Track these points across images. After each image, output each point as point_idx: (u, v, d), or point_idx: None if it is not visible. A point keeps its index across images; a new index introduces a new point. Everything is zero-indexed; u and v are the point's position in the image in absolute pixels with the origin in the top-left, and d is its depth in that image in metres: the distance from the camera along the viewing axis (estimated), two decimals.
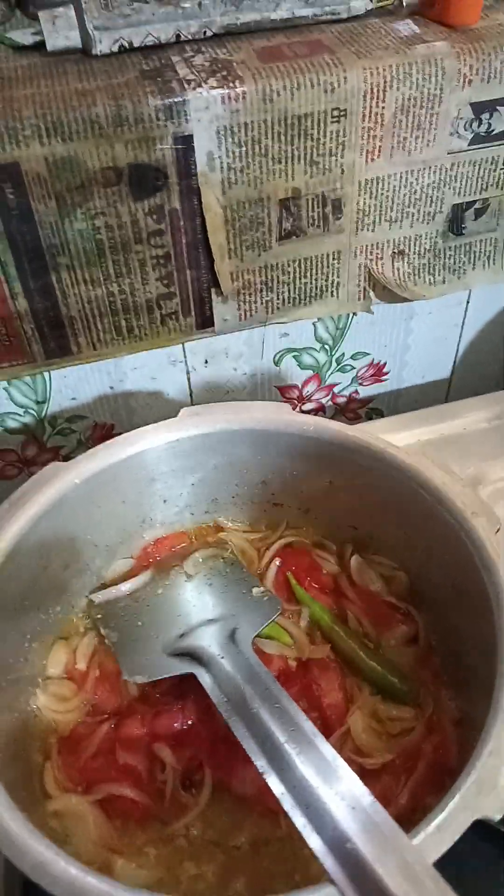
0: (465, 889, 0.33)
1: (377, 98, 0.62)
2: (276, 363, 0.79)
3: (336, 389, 0.84)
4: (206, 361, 0.76)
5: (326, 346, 0.79)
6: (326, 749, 0.41)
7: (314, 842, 0.36)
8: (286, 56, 0.61)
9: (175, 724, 0.50)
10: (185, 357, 0.75)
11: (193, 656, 0.50)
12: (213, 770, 0.48)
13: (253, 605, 0.55)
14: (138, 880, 0.44)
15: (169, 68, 0.61)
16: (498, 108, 0.66)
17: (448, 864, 0.35)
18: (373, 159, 0.65)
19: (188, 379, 0.77)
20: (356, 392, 0.85)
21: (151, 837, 0.47)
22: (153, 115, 0.58)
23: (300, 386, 0.82)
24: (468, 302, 0.80)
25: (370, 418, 0.88)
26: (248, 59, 0.61)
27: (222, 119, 0.60)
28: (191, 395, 0.78)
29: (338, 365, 0.81)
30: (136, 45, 0.62)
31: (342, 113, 0.62)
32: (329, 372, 0.82)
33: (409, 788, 0.46)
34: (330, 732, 0.50)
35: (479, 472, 0.68)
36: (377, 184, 0.67)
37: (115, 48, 0.61)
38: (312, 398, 0.84)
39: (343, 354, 0.80)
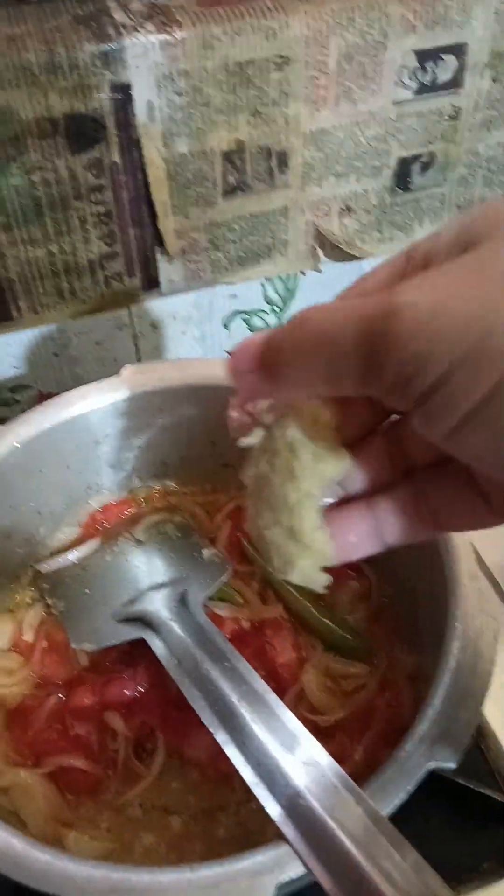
0: (425, 845, 0.33)
1: (320, 45, 0.60)
2: (226, 326, 0.77)
3: None
4: (154, 326, 0.74)
5: (276, 308, 0.78)
6: (279, 708, 0.40)
7: (267, 802, 0.35)
8: (226, 0, 0.59)
9: (126, 692, 0.48)
10: (131, 321, 0.73)
11: (143, 621, 0.48)
12: (165, 736, 0.47)
13: (203, 567, 0.54)
14: (91, 852, 0.43)
15: (104, 13, 0.58)
16: (442, 56, 0.64)
17: (408, 823, 0.34)
18: (318, 109, 0.64)
19: (135, 344, 0.75)
20: None
21: (104, 808, 0.46)
22: (88, 61, 0.56)
23: None
24: None
25: None
26: (186, 4, 0.59)
27: (162, 66, 0.57)
28: (139, 360, 0.76)
29: None
30: None
31: (285, 60, 0.60)
32: None
33: (364, 745, 0.45)
34: (284, 691, 0.49)
35: None
36: (323, 136, 0.65)
37: None
38: None
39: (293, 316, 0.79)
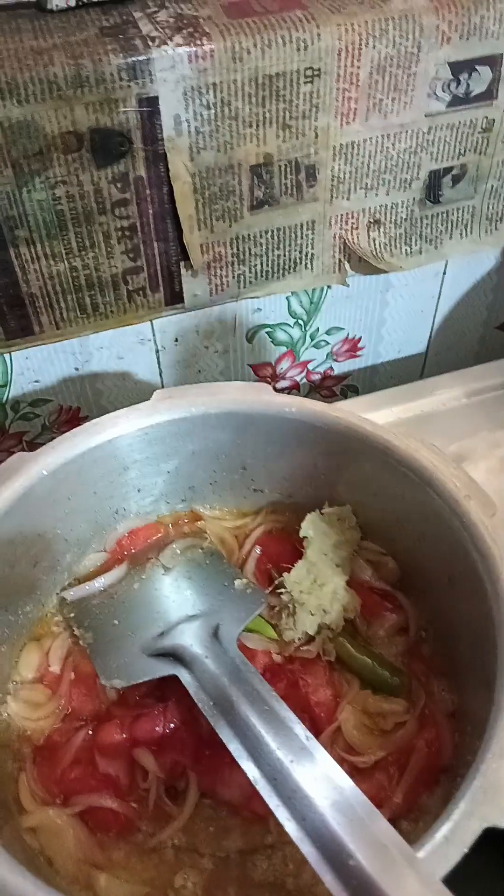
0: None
1: (352, 57, 0.59)
2: (249, 340, 0.75)
3: (310, 366, 0.81)
4: (177, 339, 0.73)
5: (301, 322, 0.76)
6: (322, 756, 0.38)
7: (320, 868, 0.33)
8: (255, 11, 0.58)
9: (157, 728, 0.47)
10: (153, 335, 0.71)
11: (175, 656, 0.47)
12: (197, 776, 0.46)
13: (236, 598, 0.52)
14: (125, 895, 0.41)
15: (131, 24, 0.57)
16: (477, 67, 0.62)
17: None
18: (348, 122, 0.62)
19: (157, 358, 0.73)
20: (331, 369, 0.82)
21: (135, 849, 0.44)
22: (115, 74, 0.54)
23: (274, 363, 0.79)
24: (444, 273, 0.78)
25: (345, 395, 0.86)
26: (214, 15, 0.57)
27: (189, 79, 0.56)
28: (161, 374, 0.75)
29: (312, 340, 0.78)
30: None
31: (316, 72, 0.59)
32: (303, 348, 0.79)
33: (403, 787, 0.44)
34: (319, 730, 0.47)
35: (461, 450, 0.66)
36: (352, 149, 0.64)
37: (72, 2, 0.57)
38: (286, 375, 0.81)
39: (317, 330, 0.77)
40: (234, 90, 0.58)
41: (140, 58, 0.54)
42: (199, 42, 0.55)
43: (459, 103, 0.64)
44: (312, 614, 0.51)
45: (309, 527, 0.54)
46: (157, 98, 0.56)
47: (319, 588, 0.52)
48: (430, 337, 0.84)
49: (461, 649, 0.46)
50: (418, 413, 0.73)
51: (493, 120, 0.66)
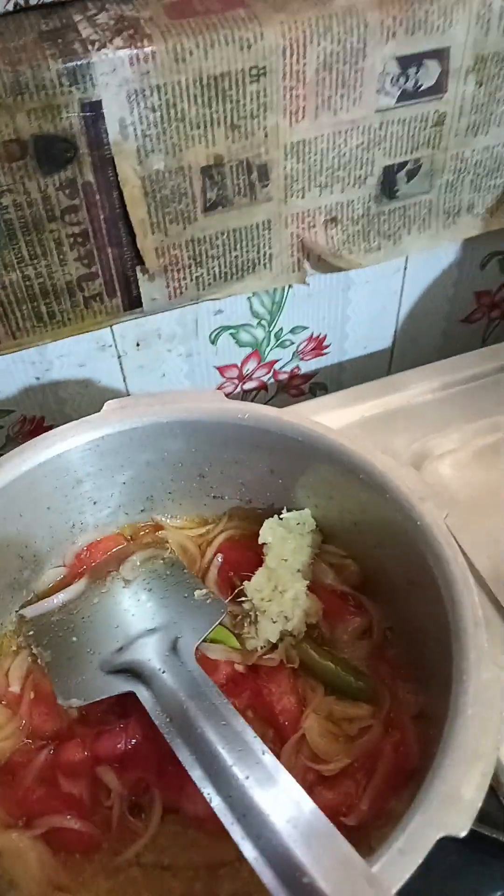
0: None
1: (297, 55, 0.58)
2: (213, 342, 0.75)
3: (277, 366, 0.81)
4: (138, 344, 0.72)
5: (263, 322, 0.75)
6: (279, 772, 0.37)
7: (276, 890, 0.33)
8: (197, 11, 0.57)
9: (118, 745, 0.46)
10: (114, 341, 0.71)
11: (133, 672, 0.46)
12: (161, 791, 0.45)
13: (195, 609, 0.51)
14: None
15: (71, 28, 0.56)
16: (425, 61, 0.62)
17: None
18: (297, 120, 0.61)
19: (120, 364, 0.73)
20: (297, 367, 0.82)
21: (101, 869, 0.44)
22: (55, 80, 0.53)
23: (239, 364, 0.78)
24: (405, 269, 0.77)
25: (314, 393, 0.85)
26: (156, 16, 0.57)
27: (132, 82, 0.55)
28: (124, 381, 0.74)
29: (277, 340, 0.78)
30: (32, 2, 0.56)
31: (261, 71, 0.58)
32: (268, 348, 0.78)
33: (370, 794, 0.43)
34: (284, 739, 0.47)
35: (425, 447, 0.66)
36: (304, 147, 0.63)
37: (10, 6, 0.56)
38: (253, 376, 0.80)
39: (281, 329, 0.77)
40: (179, 92, 0.57)
41: (80, 62, 0.53)
42: (139, 44, 0.54)
43: (409, 98, 0.64)
44: (274, 621, 0.51)
45: (267, 533, 0.54)
46: (99, 102, 0.55)
47: (280, 595, 0.51)
48: (396, 333, 0.83)
49: (425, 651, 0.45)
50: (384, 410, 0.72)
51: (444, 114, 0.66)
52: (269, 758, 0.38)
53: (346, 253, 0.71)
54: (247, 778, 0.37)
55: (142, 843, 0.44)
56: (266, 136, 0.62)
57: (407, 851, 0.32)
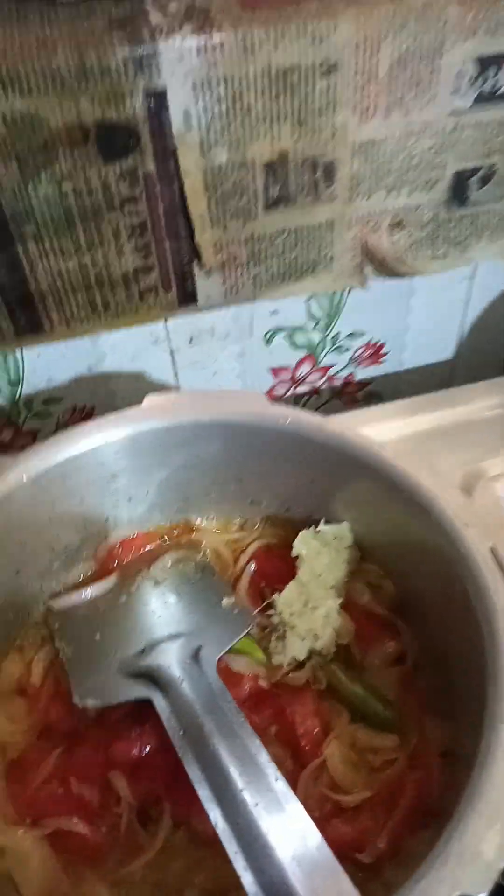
0: None
1: (371, 51, 0.56)
2: (267, 342, 0.73)
3: (331, 371, 0.79)
4: (191, 340, 0.71)
5: (320, 325, 0.74)
6: (290, 802, 0.35)
7: None
8: (269, 2, 0.55)
9: (133, 752, 0.44)
10: (167, 336, 0.70)
11: (152, 677, 0.44)
12: (172, 805, 0.43)
13: (221, 618, 0.50)
14: None
15: (141, 15, 0.55)
16: None
17: None
18: (367, 119, 0.60)
19: (172, 359, 0.72)
20: (352, 374, 0.80)
21: (103, 880, 0.42)
22: (121, 67, 0.53)
23: (293, 367, 0.77)
24: (473, 278, 0.74)
25: (368, 402, 0.83)
26: (227, 6, 0.55)
27: (199, 72, 0.54)
28: (176, 376, 0.73)
29: (333, 345, 0.76)
30: None
31: (332, 67, 0.56)
32: (323, 352, 0.76)
33: (388, 831, 0.41)
34: (304, 764, 0.44)
35: (481, 467, 0.63)
36: (372, 147, 0.61)
37: None
38: (306, 380, 0.79)
39: (338, 334, 0.75)
40: (247, 84, 0.56)
41: (147, 50, 0.53)
42: (208, 33, 0.53)
43: (486, 101, 0.61)
44: (303, 638, 0.49)
45: (301, 545, 0.52)
46: (165, 92, 0.54)
47: (311, 611, 0.49)
48: (459, 344, 0.80)
49: (455, 685, 0.43)
50: (438, 425, 0.69)
51: None
52: (281, 785, 0.36)
53: (410, 259, 0.69)
54: (256, 805, 0.35)
55: (147, 856, 0.42)
56: (333, 133, 0.60)
57: None
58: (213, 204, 0.61)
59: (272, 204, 0.62)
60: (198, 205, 0.60)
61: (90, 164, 0.56)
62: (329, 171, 0.62)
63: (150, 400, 0.51)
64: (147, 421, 0.50)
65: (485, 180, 0.66)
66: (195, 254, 0.63)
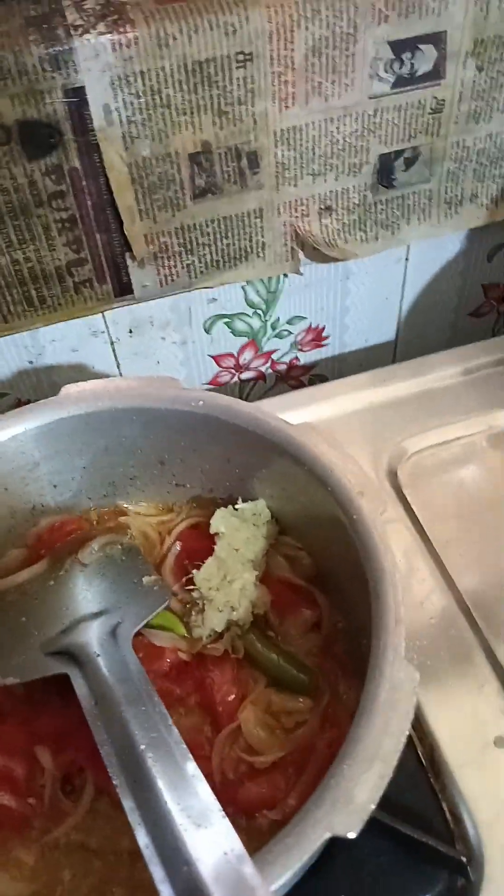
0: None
1: (285, 40, 0.57)
2: (207, 331, 0.75)
3: (275, 356, 0.80)
4: (131, 331, 0.72)
5: (259, 311, 0.75)
6: (190, 767, 0.37)
7: (161, 884, 0.33)
8: None
9: (56, 725, 0.46)
10: (106, 327, 0.71)
11: (72, 654, 0.46)
12: (94, 774, 0.45)
13: (141, 595, 0.52)
14: (13, 892, 0.42)
15: (58, 13, 0.56)
16: (420, 46, 0.60)
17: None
18: (287, 107, 0.61)
19: (113, 350, 0.73)
20: (296, 359, 0.81)
21: (28, 846, 0.44)
22: (38, 66, 0.54)
23: (236, 354, 0.78)
24: (407, 259, 0.76)
25: (314, 385, 0.84)
26: (143, 1, 0.56)
27: (115, 68, 0.55)
28: (118, 366, 0.75)
29: (274, 331, 0.77)
30: None
31: (247, 57, 0.57)
32: (265, 338, 0.78)
33: (299, 788, 0.43)
34: (221, 729, 0.47)
35: (406, 444, 0.65)
36: (294, 134, 0.62)
37: None
38: (250, 366, 0.80)
39: (278, 319, 0.76)
40: (164, 77, 0.57)
41: (62, 48, 0.54)
42: (122, 29, 0.54)
43: (405, 84, 0.62)
44: (220, 611, 0.50)
45: (219, 523, 0.54)
46: (83, 88, 0.55)
47: (228, 584, 0.51)
48: (399, 325, 0.82)
49: (362, 648, 0.44)
50: (368, 404, 0.71)
51: (443, 100, 0.64)
52: (182, 751, 0.38)
53: (341, 243, 0.70)
54: (159, 770, 0.37)
55: (71, 822, 0.44)
56: (255, 122, 0.61)
57: (293, 848, 0.32)
58: (140, 196, 0.62)
59: (200, 194, 0.63)
60: (125, 197, 0.62)
61: (14, 163, 0.57)
62: (254, 160, 0.63)
63: (67, 389, 0.52)
64: (64, 409, 0.52)
65: (410, 162, 0.68)
66: (127, 246, 0.65)
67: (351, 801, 0.33)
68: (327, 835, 0.32)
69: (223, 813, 0.35)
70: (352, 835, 0.32)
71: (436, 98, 0.64)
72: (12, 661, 0.48)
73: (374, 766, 0.34)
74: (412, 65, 0.61)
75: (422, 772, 0.48)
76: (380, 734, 0.35)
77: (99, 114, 0.57)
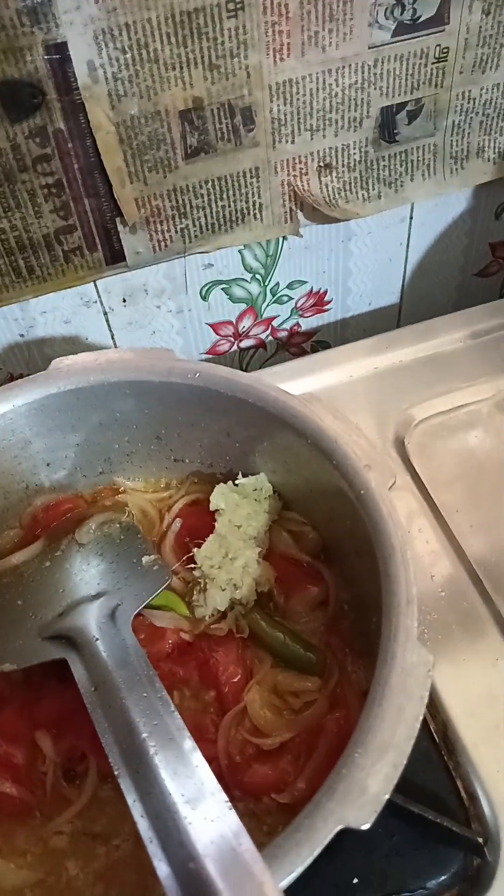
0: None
1: None
2: (204, 298, 0.72)
3: (275, 323, 0.78)
4: (125, 300, 0.70)
5: (258, 276, 0.72)
6: (191, 751, 0.36)
7: (158, 862, 0.32)
8: None
9: (57, 710, 0.45)
10: (98, 297, 0.69)
11: (70, 638, 0.45)
12: (97, 759, 0.44)
13: (141, 575, 0.50)
14: (17, 881, 0.41)
15: None
16: None
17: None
18: (282, 59, 0.58)
19: (107, 320, 0.71)
20: (297, 325, 0.79)
21: (32, 835, 0.43)
22: (16, 20, 0.51)
23: (234, 321, 0.75)
24: (411, 218, 0.73)
25: (317, 352, 0.82)
26: None
27: (99, 21, 0.52)
28: (112, 337, 0.72)
29: (273, 296, 0.75)
30: None
31: (239, 5, 0.54)
32: (265, 304, 0.75)
33: (309, 771, 0.41)
34: (227, 710, 0.45)
35: (413, 412, 0.62)
36: (290, 87, 0.59)
37: None
38: (250, 334, 0.78)
39: (277, 284, 0.74)
40: (151, 30, 0.53)
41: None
42: None
43: (406, 31, 0.59)
44: (223, 589, 0.49)
45: (219, 499, 0.52)
46: (65, 44, 0.52)
47: (230, 562, 0.49)
48: (403, 287, 0.79)
49: (370, 627, 0.43)
50: (375, 369, 0.69)
51: (447, 48, 0.61)
52: (184, 735, 0.37)
53: (342, 202, 0.68)
54: (159, 754, 0.36)
55: (74, 810, 0.43)
56: (248, 76, 0.58)
57: (303, 842, 0.31)
58: (130, 157, 0.59)
59: (192, 153, 0.61)
60: (113, 159, 0.59)
61: None
62: (248, 116, 0.60)
63: (56, 363, 0.50)
64: (54, 384, 0.49)
65: (413, 115, 0.65)
66: (118, 211, 0.62)
67: (364, 792, 0.31)
68: (339, 827, 0.31)
69: (230, 804, 0.34)
70: (365, 827, 0.31)
71: (439, 46, 0.61)
72: (9, 646, 0.47)
73: (388, 755, 0.32)
74: (414, 10, 0.58)
75: (435, 750, 0.46)
76: (393, 721, 0.33)
77: (83, 71, 0.54)
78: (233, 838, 0.32)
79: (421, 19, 0.59)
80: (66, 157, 0.58)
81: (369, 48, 0.59)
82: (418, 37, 0.60)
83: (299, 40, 0.57)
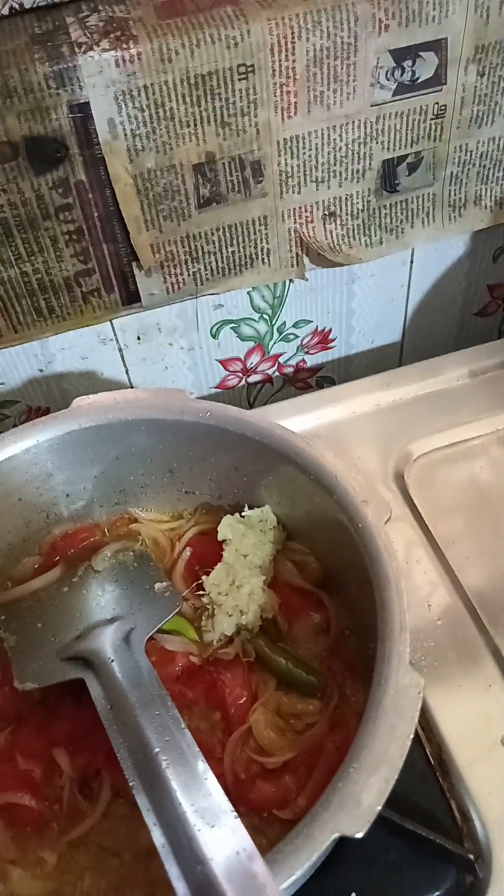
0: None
1: (286, 51, 0.58)
2: (214, 336, 0.76)
3: (281, 360, 0.81)
4: (139, 338, 0.73)
5: (265, 316, 0.76)
6: (202, 769, 0.39)
7: (176, 880, 0.34)
8: (186, 10, 0.57)
9: (73, 728, 0.48)
10: (114, 335, 0.72)
11: (87, 660, 0.48)
12: (111, 775, 0.47)
13: (153, 601, 0.53)
14: (34, 890, 0.43)
15: (62, 30, 0.57)
16: (421, 53, 0.61)
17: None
18: (289, 116, 0.61)
19: (122, 357, 0.74)
20: (303, 361, 0.82)
21: (48, 847, 0.46)
22: (43, 83, 0.55)
23: (243, 358, 0.79)
24: (412, 262, 0.76)
25: (321, 387, 0.85)
26: (145, 16, 0.57)
27: (119, 83, 0.56)
28: (127, 372, 0.76)
29: (280, 334, 0.78)
30: (27, 5, 0.58)
31: (249, 69, 0.58)
32: (272, 342, 0.79)
33: (309, 790, 0.44)
34: (232, 731, 0.48)
35: (413, 447, 0.65)
36: (297, 142, 0.63)
37: (5, 10, 0.58)
38: (257, 370, 0.81)
39: (284, 323, 0.77)
40: (167, 91, 0.57)
41: (66, 65, 0.55)
42: (125, 46, 0.55)
43: (406, 91, 0.63)
44: (230, 615, 0.52)
45: (226, 530, 0.55)
46: (87, 103, 0.56)
47: (237, 589, 0.52)
48: (405, 326, 0.83)
49: (369, 652, 0.45)
50: (377, 406, 0.72)
51: (445, 106, 0.65)
52: (195, 753, 0.39)
53: (345, 248, 0.71)
54: (172, 771, 0.38)
55: (88, 824, 0.46)
56: (258, 132, 0.62)
57: (301, 848, 0.33)
58: (146, 207, 0.63)
59: (205, 203, 0.64)
60: (131, 208, 0.63)
61: (22, 178, 0.58)
62: (257, 168, 0.64)
63: (78, 401, 0.54)
64: (76, 421, 0.53)
65: (413, 167, 0.68)
66: (133, 255, 0.66)
67: (358, 804, 0.34)
68: (335, 835, 0.33)
69: (235, 813, 0.36)
70: (359, 835, 0.33)
71: (437, 104, 0.65)
72: (29, 666, 0.49)
73: (380, 770, 0.35)
74: (413, 72, 0.62)
75: (430, 770, 0.49)
76: (385, 739, 0.36)
77: (104, 128, 0.58)
78: (238, 844, 0.34)
79: (420, 80, 0.63)
80: (86, 206, 0.62)
81: (371, 106, 0.63)
82: (417, 96, 0.64)
83: (305, 99, 0.61)
